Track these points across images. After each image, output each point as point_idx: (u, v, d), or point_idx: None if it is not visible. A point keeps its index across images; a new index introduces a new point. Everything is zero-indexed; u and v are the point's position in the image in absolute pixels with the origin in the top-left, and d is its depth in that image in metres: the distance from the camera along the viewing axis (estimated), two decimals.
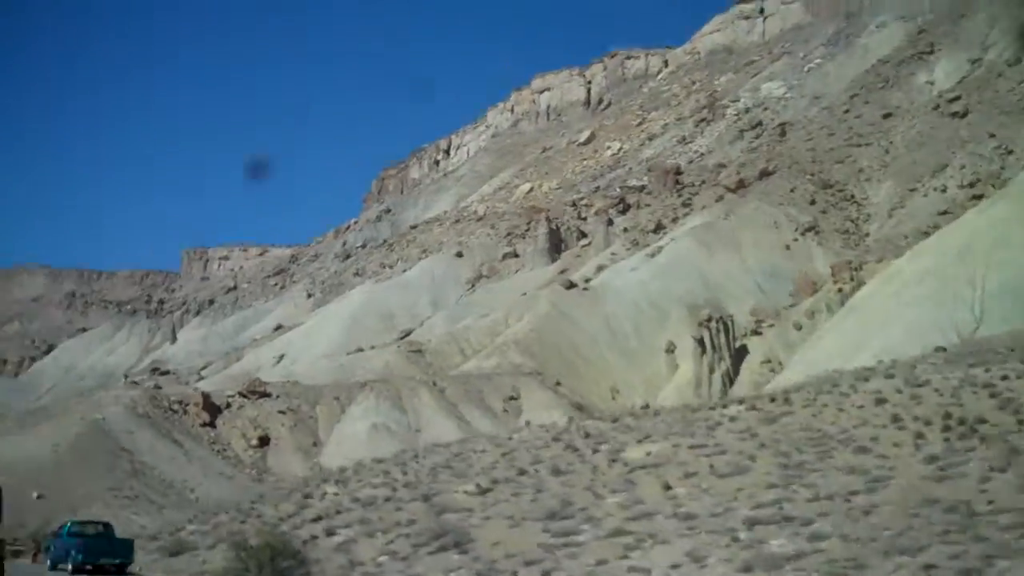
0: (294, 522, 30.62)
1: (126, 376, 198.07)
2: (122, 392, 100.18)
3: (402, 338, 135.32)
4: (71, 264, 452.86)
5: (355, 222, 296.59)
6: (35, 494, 67.40)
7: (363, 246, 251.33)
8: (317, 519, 29.80)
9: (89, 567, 32.32)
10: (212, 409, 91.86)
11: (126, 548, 32.95)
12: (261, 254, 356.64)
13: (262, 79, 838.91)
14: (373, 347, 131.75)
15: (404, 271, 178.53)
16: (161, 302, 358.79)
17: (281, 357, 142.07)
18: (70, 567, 32.54)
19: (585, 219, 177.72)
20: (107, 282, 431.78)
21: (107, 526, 35.77)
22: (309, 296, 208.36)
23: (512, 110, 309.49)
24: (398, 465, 35.57)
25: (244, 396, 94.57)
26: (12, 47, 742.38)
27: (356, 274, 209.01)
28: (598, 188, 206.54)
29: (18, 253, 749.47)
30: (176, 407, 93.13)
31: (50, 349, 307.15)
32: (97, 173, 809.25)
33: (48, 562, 35.21)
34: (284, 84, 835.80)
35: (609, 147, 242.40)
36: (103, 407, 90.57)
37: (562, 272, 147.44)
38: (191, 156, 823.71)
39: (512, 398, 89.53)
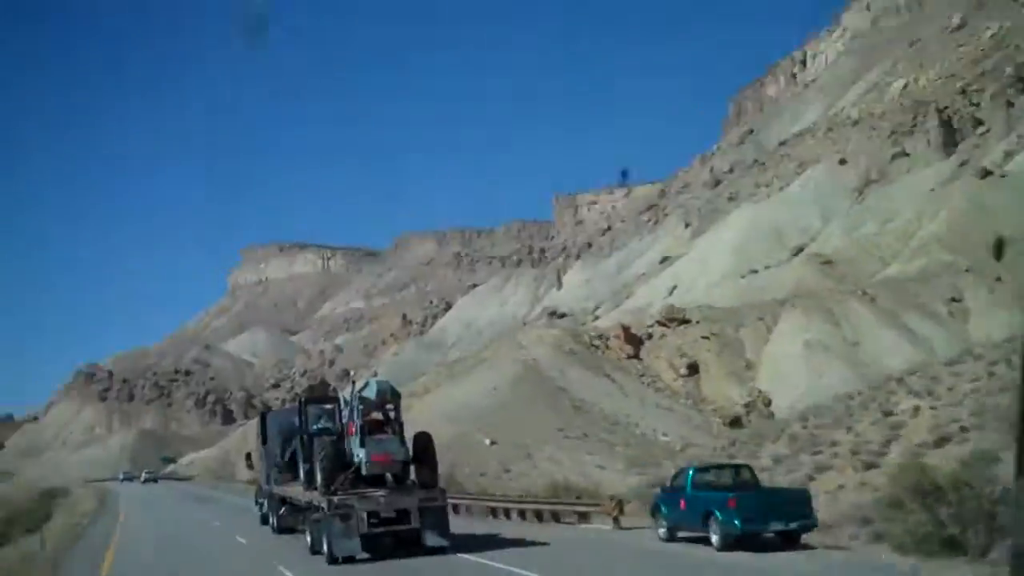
0: None
1: (524, 324, 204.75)
2: (543, 331, 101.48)
3: (795, 254, 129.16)
4: (454, 226, 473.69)
5: (717, 147, 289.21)
6: (487, 440, 66.25)
7: (731, 170, 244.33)
8: None
9: (757, 535, 21.65)
10: (633, 341, 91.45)
11: (801, 503, 22.05)
12: (627, 194, 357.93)
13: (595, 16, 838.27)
14: (768, 267, 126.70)
15: (783, 188, 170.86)
16: (542, 251, 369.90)
17: (673, 288, 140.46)
18: (720, 538, 21.76)
19: (978, 105, 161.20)
20: (487, 239, 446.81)
21: (748, 471, 24.86)
22: (687, 226, 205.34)
23: (868, 7, 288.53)
24: None
25: (663, 325, 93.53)
26: None
27: (730, 198, 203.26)
28: (983, 72, 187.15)
29: (408, 223, 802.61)
30: (597, 342, 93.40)
31: (448, 307, 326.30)
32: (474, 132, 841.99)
33: (663, 526, 24.79)
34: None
35: (988, 27, 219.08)
36: (529, 347, 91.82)
37: (962, 164, 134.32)
38: (549, 108, 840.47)
39: (954, 300, 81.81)
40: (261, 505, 40.70)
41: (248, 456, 47.23)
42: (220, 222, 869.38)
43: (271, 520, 36.05)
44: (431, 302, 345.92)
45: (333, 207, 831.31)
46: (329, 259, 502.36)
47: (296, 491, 30.17)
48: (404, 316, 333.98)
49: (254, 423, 54.46)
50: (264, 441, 36.72)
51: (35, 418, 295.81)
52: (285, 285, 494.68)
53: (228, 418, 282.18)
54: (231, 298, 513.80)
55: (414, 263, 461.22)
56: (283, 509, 33.70)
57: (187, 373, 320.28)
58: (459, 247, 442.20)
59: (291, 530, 32.76)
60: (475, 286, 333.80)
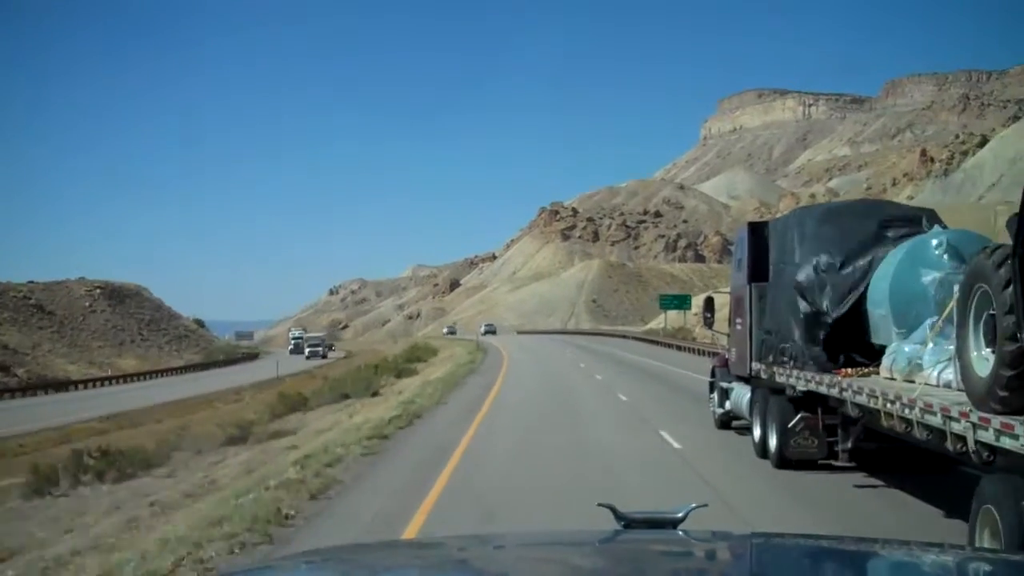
0: None
1: None
2: None
3: None
4: (959, 67, 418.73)
5: None
6: None
7: None
8: None
9: None
10: None
11: None
12: None
13: None
14: None
15: None
16: None
17: None
18: None
19: None
20: (997, 82, 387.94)
21: None
22: None
23: None
24: None
25: None
26: None
27: None
28: None
29: (899, 67, 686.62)
30: None
31: (984, 141, 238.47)
32: None
33: None
34: None
35: None
36: None
37: None
38: None
39: None
40: (724, 394, 18.31)
41: (708, 304, 19.98)
42: (695, 71, 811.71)
43: (761, 436, 14.73)
44: (957, 137, 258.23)
45: (816, 52, 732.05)
46: (810, 106, 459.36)
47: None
48: (923, 152, 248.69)
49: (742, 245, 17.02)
50: (759, 274, 15.45)
51: (493, 256, 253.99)
52: (760, 133, 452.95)
53: (700, 262, 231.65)
54: (702, 147, 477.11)
55: (907, 108, 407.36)
56: (799, 420, 13.23)
57: (657, 214, 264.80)
58: (963, 89, 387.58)
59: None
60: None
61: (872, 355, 11.92)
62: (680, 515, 3.05)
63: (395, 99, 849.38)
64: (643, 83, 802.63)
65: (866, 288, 12.16)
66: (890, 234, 12.65)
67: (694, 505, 3.19)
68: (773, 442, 13.65)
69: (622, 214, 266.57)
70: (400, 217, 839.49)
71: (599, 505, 3.38)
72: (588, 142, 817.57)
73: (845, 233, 13.11)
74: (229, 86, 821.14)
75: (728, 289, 18.78)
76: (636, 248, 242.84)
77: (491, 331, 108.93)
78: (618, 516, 3.05)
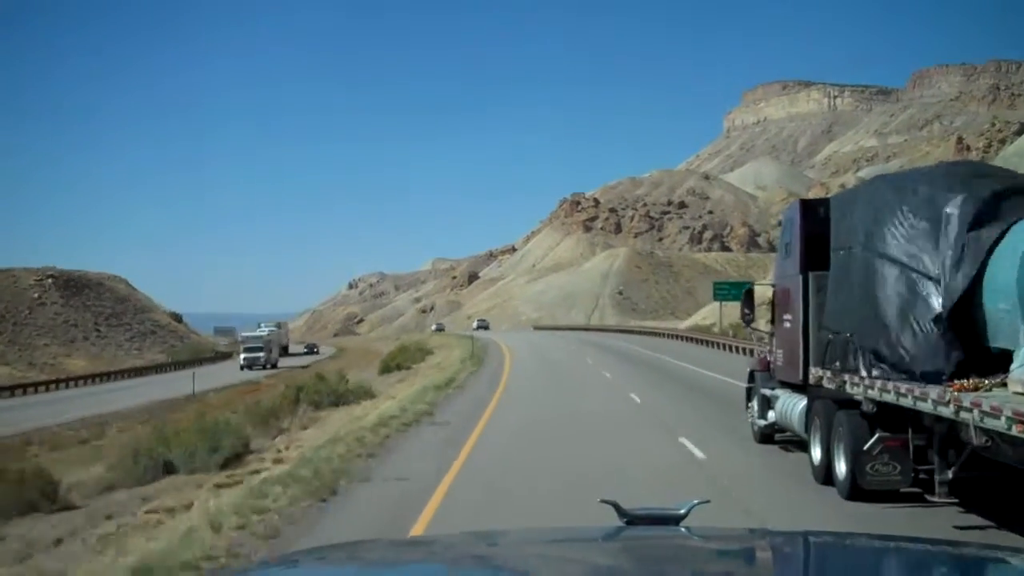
0: None
1: None
2: None
3: None
4: (989, 57, 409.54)
5: None
6: None
7: None
8: None
9: None
10: None
11: None
12: None
13: None
14: None
15: None
16: None
17: None
18: None
19: None
20: None
21: None
22: None
23: None
24: None
25: None
26: None
27: None
28: None
29: (926, 57, 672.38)
30: None
31: (1022, 130, 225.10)
32: None
33: None
34: None
35: None
36: None
37: None
38: None
39: None
40: (766, 402, 15.35)
41: (747, 297, 17.23)
42: (719, 63, 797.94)
43: (823, 458, 12.06)
44: (992, 125, 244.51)
45: (841, 44, 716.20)
46: (836, 97, 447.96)
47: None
48: (959, 140, 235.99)
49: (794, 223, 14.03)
50: (816, 260, 12.80)
51: (512, 248, 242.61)
52: (785, 125, 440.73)
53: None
54: (725, 140, 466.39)
55: (934, 99, 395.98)
56: (877, 441, 10.47)
57: (682, 205, 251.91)
58: (992, 79, 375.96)
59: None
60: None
61: (988, 362, 9.13)
62: (683, 512, 2.99)
63: (420, 93, 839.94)
64: (666, 76, 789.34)
65: (981, 276, 9.30)
66: (1008, 207, 9.49)
67: (696, 501, 3.12)
68: (841, 467, 10.98)
69: (645, 205, 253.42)
70: (422, 212, 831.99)
71: (602, 501, 3.31)
72: (610, 136, 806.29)
73: (946, 205, 9.90)
74: (257, 77, 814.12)
75: (770, 280, 16.40)
76: (660, 240, 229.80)
77: (483, 326, 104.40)
78: (621, 513, 2.99)
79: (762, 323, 16.55)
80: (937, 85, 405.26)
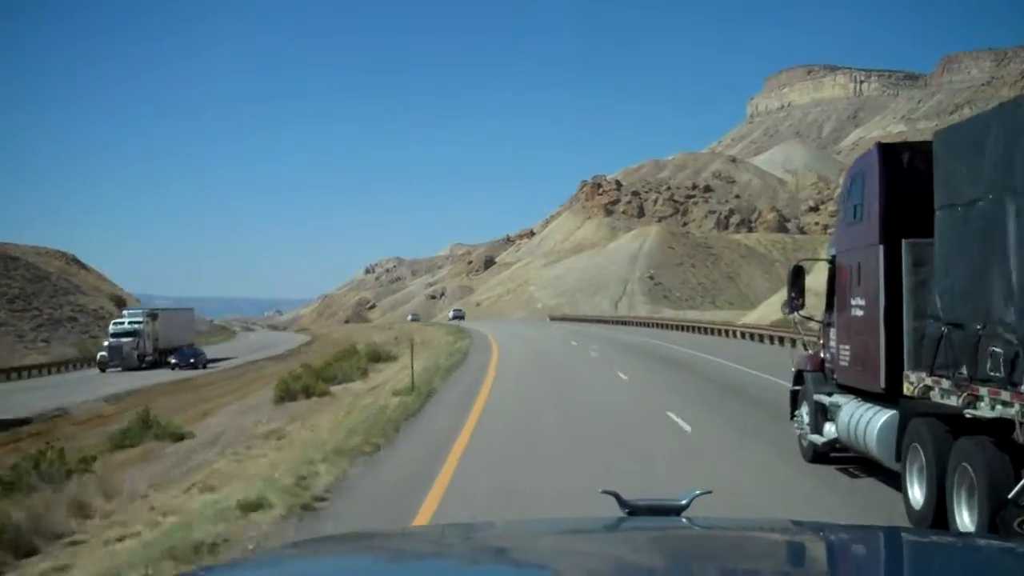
0: None
1: None
2: None
3: None
4: (1018, 42, 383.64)
5: None
6: None
7: None
8: None
9: None
10: None
11: None
12: None
13: None
14: None
15: None
16: None
17: None
18: None
19: None
20: None
21: None
22: None
23: None
24: None
25: None
26: None
27: None
28: None
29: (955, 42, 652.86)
30: None
31: None
32: None
33: None
34: None
35: None
36: None
37: None
38: None
39: None
40: (822, 412, 12.00)
41: (795, 276, 13.23)
42: (741, 47, 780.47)
43: (929, 500, 8.58)
44: None
45: (867, 28, 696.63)
46: (862, 82, 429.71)
47: None
48: None
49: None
50: (909, 224, 9.53)
51: (531, 232, 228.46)
52: (810, 110, 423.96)
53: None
54: (748, 125, 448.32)
55: (964, 85, 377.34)
56: None
57: (707, 189, 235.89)
58: (1022, 65, 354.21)
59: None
60: None
61: None
62: (684, 502, 2.94)
63: (443, 79, 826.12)
64: (689, 62, 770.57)
65: None
66: None
67: (698, 492, 3.05)
68: (965, 518, 7.86)
69: (669, 188, 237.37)
70: (442, 197, 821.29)
71: (603, 492, 3.18)
72: (632, 124, 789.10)
73: None
74: (275, 62, 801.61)
75: (826, 255, 12.56)
76: (684, 224, 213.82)
77: (459, 316, 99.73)
78: (622, 503, 2.94)
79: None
80: (967, 70, 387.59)
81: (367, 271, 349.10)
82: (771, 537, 2.87)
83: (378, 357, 34.93)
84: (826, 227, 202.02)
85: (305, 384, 24.52)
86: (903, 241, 9.33)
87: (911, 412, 9.01)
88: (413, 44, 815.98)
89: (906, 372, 9.07)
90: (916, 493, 8.65)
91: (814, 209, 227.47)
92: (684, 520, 2.84)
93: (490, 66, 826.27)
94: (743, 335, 45.81)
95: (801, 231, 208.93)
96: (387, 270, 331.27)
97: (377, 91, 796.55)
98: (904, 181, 9.63)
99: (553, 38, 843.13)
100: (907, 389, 9.02)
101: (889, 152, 10.00)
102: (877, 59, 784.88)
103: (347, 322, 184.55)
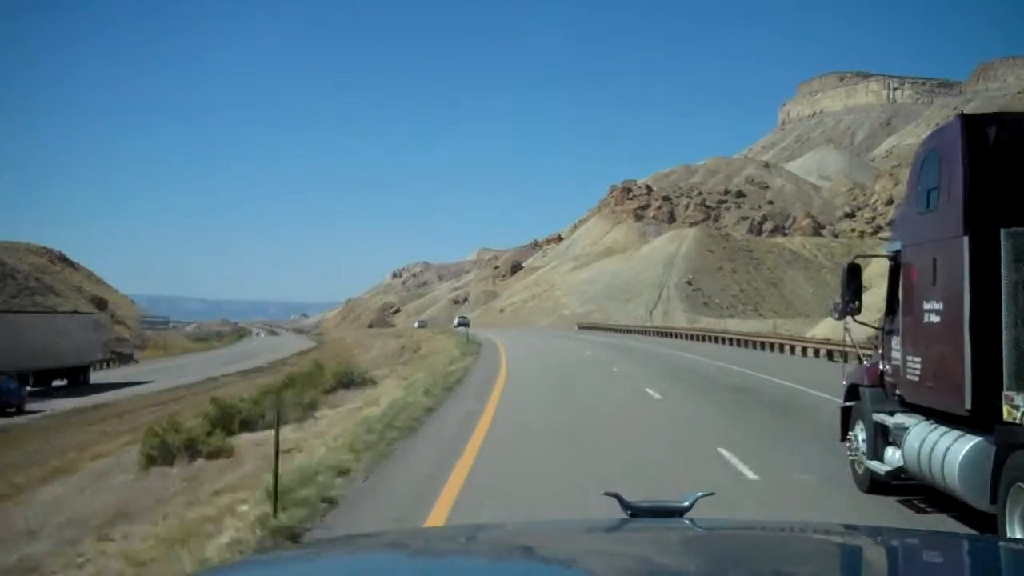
0: None
1: None
2: None
3: None
4: None
5: None
6: None
7: None
8: None
9: None
10: None
11: None
12: None
13: None
14: None
15: None
16: None
17: None
18: None
19: None
20: None
21: None
22: None
23: None
24: None
25: None
26: None
27: None
28: None
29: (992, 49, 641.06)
30: None
31: None
32: None
33: None
34: None
35: None
36: None
37: None
38: None
39: None
40: (882, 434, 10.08)
41: (850, 276, 10.80)
42: (773, 54, 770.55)
43: None
44: None
45: (901, 35, 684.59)
46: (896, 89, 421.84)
47: None
48: None
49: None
50: (994, 213, 7.90)
51: (559, 237, 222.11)
52: (842, 117, 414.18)
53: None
54: (780, 132, 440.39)
55: (1001, 92, 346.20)
56: None
57: (739, 194, 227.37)
58: None
59: None
60: None
61: None
62: (687, 504, 2.90)
63: (472, 82, 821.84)
64: (720, 69, 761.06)
65: None
66: None
67: (700, 494, 3.00)
68: None
69: (700, 193, 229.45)
70: (470, 202, 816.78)
71: (605, 494, 3.12)
72: (663, 131, 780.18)
73: None
74: (301, 63, 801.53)
75: (888, 251, 10.23)
76: (718, 231, 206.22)
77: (464, 324, 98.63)
78: (624, 505, 2.88)
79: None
80: (1003, 78, 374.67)
81: (394, 275, 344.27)
82: (774, 538, 2.83)
83: (348, 382, 26.45)
84: (862, 234, 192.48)
85: (188, 438, 16.18)
86: (1002, 231, 7.54)
87: (1012, 443, 7.43)
88: (448, 48, 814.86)
89: (1006, 392, 7.42)
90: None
91: (850, 216, 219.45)
92: (687, 521, 2.79)
93: (520, 71, 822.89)
94: (816, 352, 37.82)
95: (835, 237, 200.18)
96: (414, 274, 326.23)
97: (409, 96, 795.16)
98: (992, 159, 8.09)
99: (584, 45, 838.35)
100: (1007, 414, 7.42)
101: (973, 125, 8.27)
102: (911, 66, 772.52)
103: (370, 326, 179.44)
